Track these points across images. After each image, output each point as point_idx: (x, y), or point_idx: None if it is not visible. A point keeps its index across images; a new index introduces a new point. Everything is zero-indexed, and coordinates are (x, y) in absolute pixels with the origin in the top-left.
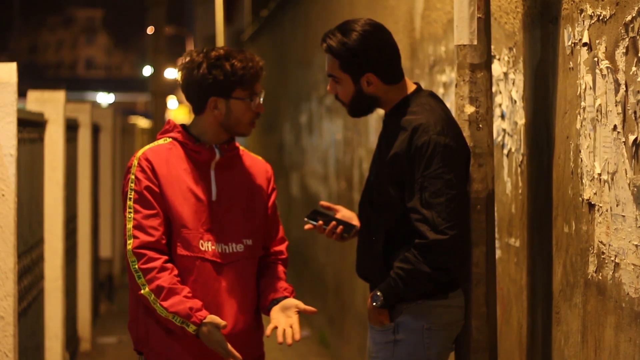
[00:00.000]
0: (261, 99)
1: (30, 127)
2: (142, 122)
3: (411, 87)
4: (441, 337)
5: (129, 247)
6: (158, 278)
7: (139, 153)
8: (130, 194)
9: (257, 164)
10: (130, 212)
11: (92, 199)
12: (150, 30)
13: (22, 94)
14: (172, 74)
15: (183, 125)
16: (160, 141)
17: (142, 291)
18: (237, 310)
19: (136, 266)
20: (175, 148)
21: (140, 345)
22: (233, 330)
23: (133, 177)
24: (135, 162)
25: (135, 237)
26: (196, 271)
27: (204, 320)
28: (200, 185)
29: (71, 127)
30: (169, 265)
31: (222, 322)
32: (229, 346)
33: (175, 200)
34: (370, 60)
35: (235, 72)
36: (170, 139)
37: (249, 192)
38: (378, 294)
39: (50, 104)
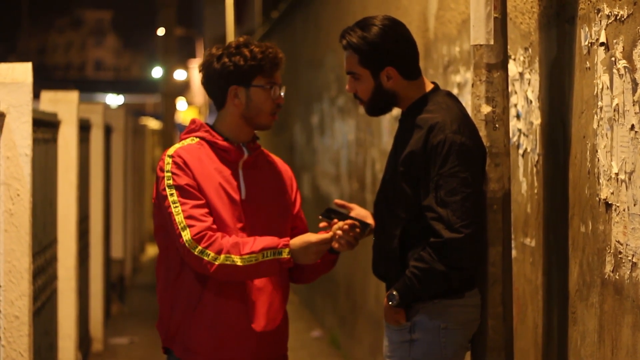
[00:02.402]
0: (282, 93)
1: (44, 127)
2: (153, 123)
3: (429, 86)
4: (457, 336)
5: (187, 237)
6: (226, 242)
7: (170, 151)
8: (171, 191)
9: (278, 164)
10: (176, 207)
11: (104, 199)
12: (160, 31)
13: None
14: (181, 75)
15: (208, 125)
16: (188, 141)
17: (217, 263)
18: (268, 308)
19: (200, 247)
20: (204, 147)
21: (169, 342)
22: (265, 327)
23: (169, 174)
24: (169, 160)
25: (190, 226)
26: None
27: (292, 242)
28: (231, 183)
29: (84, 128)
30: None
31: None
32: (323, 236)
33: (212, 198)
34: (390, 53)
35: (255, 56)
36: (198, 139)
37: (275, 190)
38: (394, 293)
39: (64, 104)
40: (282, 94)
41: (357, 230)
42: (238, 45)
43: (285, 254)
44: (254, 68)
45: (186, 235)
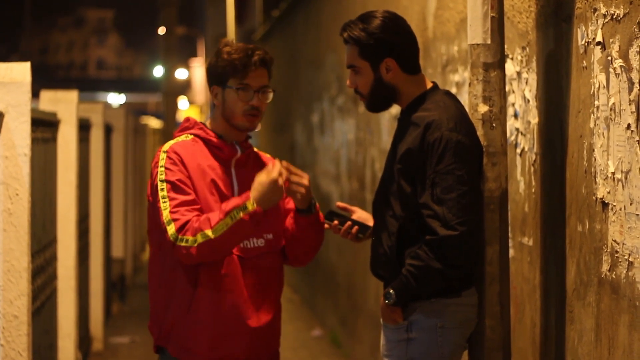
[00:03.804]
0: (270, 94)
1: (44, 127)
2: (154, 123)
3: (429, 85)
4: (454, 335)
5: (172, 231)
6: (197, 222)
7: (165, 147)
8: (162, 185)
9: (269, 162)
10: (165, 201)
11: (105, 199)
12: (161, 30)
13: (33, 94)
14: (183, 74)
15: (202, 123)
16: (182, 137)
17: (196, 245)
18: (261, 305)
19: (179, 236)
20: (198, 144)
21: (163, 341)
22: (259, 323)
23: (162, 169)
24: (164, 156)
25: (175, 219)
26: (225, 265)
27: (251, 193)
28: (224, 181)
29: (84, 127)
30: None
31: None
32: (268, 168)
33: (205, 194)
34: (390, 44)
35: (229, 57)
36: (192, 136)
37: None
38: (391, 291)
39: (63, 104)
40: (269, 98)
41: (302, 188)
42: (225, 44)
43: (250, 206)
44: (226, 69)
45: (171, 229)
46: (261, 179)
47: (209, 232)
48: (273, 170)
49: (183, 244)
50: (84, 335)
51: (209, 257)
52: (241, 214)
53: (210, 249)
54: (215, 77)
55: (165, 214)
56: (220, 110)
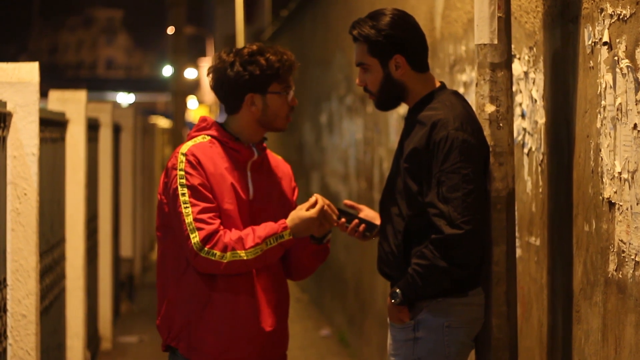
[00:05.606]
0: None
1: (52, 126)
2: (163, 122)
3: (437, 84)
4: (461, 334)
5: (195, 240)
6: (229, 239)
7: (183, 149)
8: (183, 190)
9: (280, 164)
10: (186, 207)
11: (113, 198)
12: (170, 30)
13: (42, 94)
14: (192, 74)
15: (219, 123)
16: (199, 138)
17: (225, 261)
18: (273, 308)
19: (206, 249)
20: (215, 146)
21: (175, 341)
22: (272, 327)
23: (182, 172)
24: (182, 158)
25: (199, 228)
26: None
27: (288, 224)
28: (240, 183)
29: (92, 127)
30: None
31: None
32: (310, 203)
33: (224, 197)
34: (399, 40)
35: (272, 65)
36: (209, 137)
37: (278, 190)
38: (397, 291)
39: (72, 103)
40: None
41: (327, 224)
42: (252, 53)
43: (287, 236)
44: (270, 77)
45: (195, 238)
46: (301, 214)
47: (242, 253)
48: (315, 208)
49: (210, 257)
50: (92, 334)
51: (233, 272)
52: (277, 242)
53: (239, 268)
54: (251, 86)
55: (189, 221)
56: (256, 117)
